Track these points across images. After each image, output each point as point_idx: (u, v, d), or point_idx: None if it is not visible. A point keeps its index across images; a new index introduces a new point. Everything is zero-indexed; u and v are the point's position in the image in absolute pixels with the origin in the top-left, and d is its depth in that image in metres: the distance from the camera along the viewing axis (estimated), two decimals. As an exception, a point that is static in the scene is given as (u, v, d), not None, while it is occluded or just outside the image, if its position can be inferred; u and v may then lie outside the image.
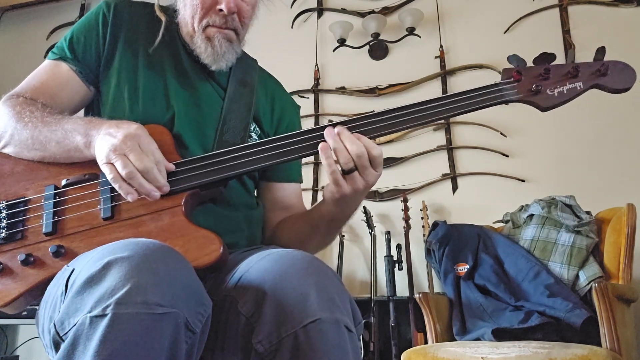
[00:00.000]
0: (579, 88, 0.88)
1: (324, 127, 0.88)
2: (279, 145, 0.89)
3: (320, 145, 0.85)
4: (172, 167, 0.88)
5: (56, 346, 0.66)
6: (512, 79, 0.90)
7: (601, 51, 0.90)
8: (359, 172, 0.85)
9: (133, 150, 0.83)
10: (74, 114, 1.02)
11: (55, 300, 0.73)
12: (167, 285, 0.63)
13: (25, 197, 0.90)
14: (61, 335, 0.64)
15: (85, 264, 0.68)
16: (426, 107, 0.89)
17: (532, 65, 0.91)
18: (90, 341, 0.58)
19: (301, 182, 1.18)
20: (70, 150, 0.89)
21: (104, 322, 0.59)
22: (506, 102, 0.89)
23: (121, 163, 0.81)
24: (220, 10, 0.99)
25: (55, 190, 0.90)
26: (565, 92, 0.88)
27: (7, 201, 0.90)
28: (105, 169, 0.83)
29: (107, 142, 0.83)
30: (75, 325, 0.61)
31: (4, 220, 0.88)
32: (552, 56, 0.90)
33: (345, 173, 0.85)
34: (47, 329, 0.74)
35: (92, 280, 0.63)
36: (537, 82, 0.89)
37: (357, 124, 0.89)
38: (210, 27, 1.01)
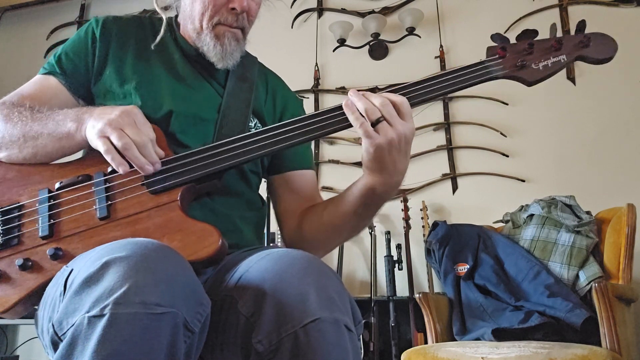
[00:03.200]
0: (562, 60, 0.89)
1: (308, 117, 0.89)
2: (270, 135, 0.89)
3: (344, 102, 0.85)
4: (161, 152, 0.89)
5: (55, 346, 0.66)
6: (497, 56, 0.90)
7: (582, 24, 0.90)
8: (388, 121, 0.84)
9: (130, 124, 0.84)
10: None
11: (54, 301, 0.73)
12: (166, 285, 0.63)
13: (19, 203, 0.89)
14: (60, 335, 0.64)
15: (84, 264, 0.68)
16: (413, 89, 0.89)
17: (515, 42, 0.92)
18: (89, 341, 0.58)
19: (314, 169, 1.17)
20: (62, 138, 0.88)
21: (102, 322, 0.58)
22: (493, 79, 0.90)
23: (117, 135, 0.82)
24: (233, 8, 1.00)
25: (49, 193, 0.89)
26: (549, 65, 0.89)
27: (1, 208, 0.89)
28: (98, 142, 0.83)
29: (101, 118, 0.84)
30: (73, 325, 0.61)
31: None
32: (535, 32, 0.90)
33: (374, 124, 0.84)
34: (46, 329, 0.74)
35: (90, 280, 0.63)
36: (521, 57, 0.89)
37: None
38: (220, 25, 1.01)
